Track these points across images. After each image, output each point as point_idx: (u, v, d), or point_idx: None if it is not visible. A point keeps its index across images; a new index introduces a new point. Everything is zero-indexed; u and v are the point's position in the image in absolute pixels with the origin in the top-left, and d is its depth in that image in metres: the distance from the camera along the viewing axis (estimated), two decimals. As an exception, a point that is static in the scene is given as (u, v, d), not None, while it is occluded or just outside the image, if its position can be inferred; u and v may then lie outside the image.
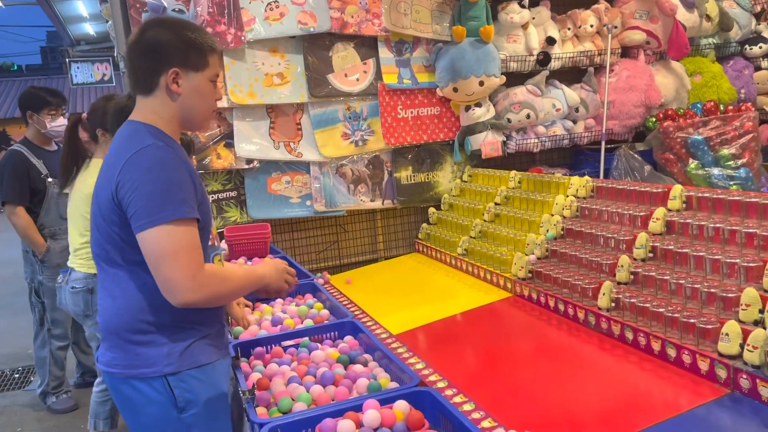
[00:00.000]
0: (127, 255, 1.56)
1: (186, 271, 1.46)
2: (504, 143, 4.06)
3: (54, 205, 3.62)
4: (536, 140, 4.13)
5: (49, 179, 3.63)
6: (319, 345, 2.23)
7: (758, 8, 4.84)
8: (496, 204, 3.61)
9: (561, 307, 2.64)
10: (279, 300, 2.78)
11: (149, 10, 3.42)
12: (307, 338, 2.26)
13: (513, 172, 3.66)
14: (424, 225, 4.13)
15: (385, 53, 3.95)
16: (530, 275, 2.92)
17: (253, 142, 3.73)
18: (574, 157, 4.54)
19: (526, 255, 2.99)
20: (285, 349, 2.21)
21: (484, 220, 3.58)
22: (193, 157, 3.42)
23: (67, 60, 10.52)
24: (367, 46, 3.93)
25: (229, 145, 3.70)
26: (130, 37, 1.65)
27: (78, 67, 10.13)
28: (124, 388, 1.61)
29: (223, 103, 3.62)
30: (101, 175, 1.62)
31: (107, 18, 3.99)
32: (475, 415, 1.86)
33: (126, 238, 1.53)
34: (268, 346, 2.21)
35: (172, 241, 1.46)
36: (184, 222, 1.49)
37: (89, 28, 10.70)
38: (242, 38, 3.60)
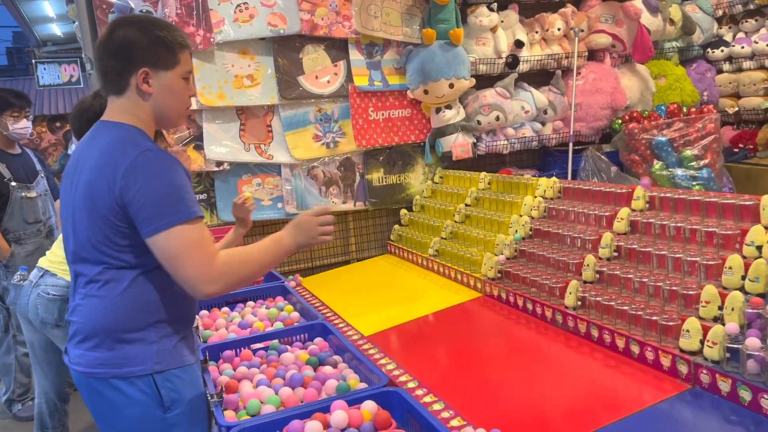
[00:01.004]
0: (123, 256, 1.56)
1: (200, 266, 1.50)
2: (474, 145, 4.10)
3: (18, 209, 3.55)
4: (506, 142, 4.18)
5: (13, 183, 3.56)
6: (288, 347, 2.23)
7: (720, 12, 4.96)
8: (466, 205, 3.64)
9: (529, 306, 2.68)
10: (250, 303, 2.78)
11: (116, 11, 3.38)
12: (276, 341, 2.26)
13: (483, 174, 3.70)
14: (396, 226, 4.14)
15: (355, 55, 3.96)
16: (500, 275, 2.95)
17: (223, 144, 3.70)
18: (543, 158, 4.60)
19: (496, 255, 3.03)
20: (254, 352, 2.20)
21: (455, 221, 3.61)
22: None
23: (33, 61, 10.30)
24: (337, 48, 3.93)
25: (199, 147, 3.67)
26: (98, 37, 1.64)
27: (45, 69, 9.92)
28: (105, 389, 1.59)
29: (192, 105, 3.58)
30: (89, 172, 1.58)
31: (74, 18, 3.92)
32: (444, 414, 1.88)
33: (124, 240, 1.54)
34: (238, 349, 2.20)
35: (184, 241, 1.50)
36: (194, 221, 1.53)
37: (56, 29, 10.51)
38: (211, 40, 3.58)
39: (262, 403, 1.79)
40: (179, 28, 1.67)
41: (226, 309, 2.69)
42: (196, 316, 2.43)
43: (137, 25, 1.60)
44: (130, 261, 1.55)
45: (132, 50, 1.57)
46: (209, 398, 1.76)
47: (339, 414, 1.56)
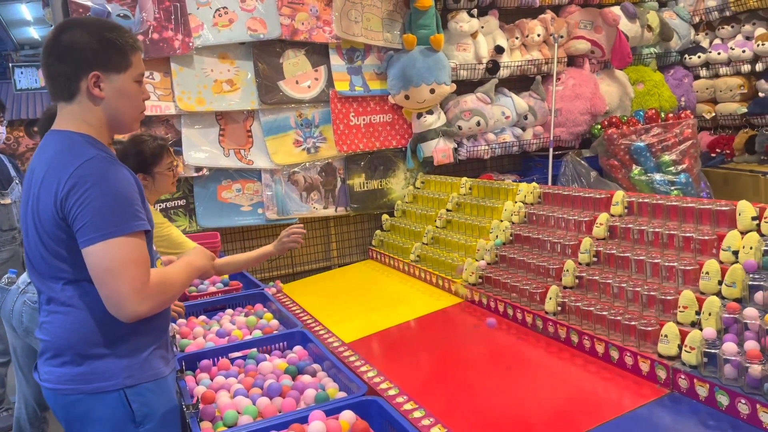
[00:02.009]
0: (78, 270, 1.49)
1: (132, 285, 1.42)
2: (455, 150, 4.11)
3: None
4: (486, 147, 4.19)
5: None
6: (267, 356, 2.20)
7: (697, 19, 5.03)
8: (447, 210, 3.64)
9: (510, 311, 2.68)
10: (228, 310, 2.74)
11: (92, 14, 3.33)
12: (255, 349, 2.23)
13: (464, 179, 3.70)
14: (378, 232, 4.13)
15: (336, 60, 3.95)
16: (480, 281, 2.95)
17: (202, 150, 3.67)
18: (524, 163, 4.62)
19: (477, 260, 3.03)
20: (232, 361, 2.17)
21: (436, 227, 3.60)
22: (175, 156, 3.20)
23: (10, 65, 10.15)
24: (318, 53, 3.92)
25: (178, 153, 3.62)
26: (44, 40, 1.57)
27: (22, 72, 9.75)
28: (75, 405, 1.54)
29: (170, 110, 3.55)
30: (37, 187, 1.52)
31: (51, 22, 3.86)
32: (425, 422, 1.87)
33: (75, 253, 1.47)
34: (215, 359, 2.17)
35: (121, 256, 1.42)
36: (134, 235, 1.46)
37: (33, 33, 10.37)
38: (190, 44, 3.54)
39: (239, 413, 1.77)
40: (129, 29, 1.62)
41: (203, 317, 2.65)
42: (173, 324, 2.40)
43: (85, 28, 1.53)
44: (87, 275, 1.47)
45: (81, 53, 1.50)
46: (185, 409, 1.73)
47: (316, 425, 1.54)
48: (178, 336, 2.38)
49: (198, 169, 3.67)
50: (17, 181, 3.80)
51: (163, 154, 2.61)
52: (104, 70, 1.52)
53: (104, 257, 1.42)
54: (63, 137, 1.54)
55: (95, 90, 1.52)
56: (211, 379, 2.04)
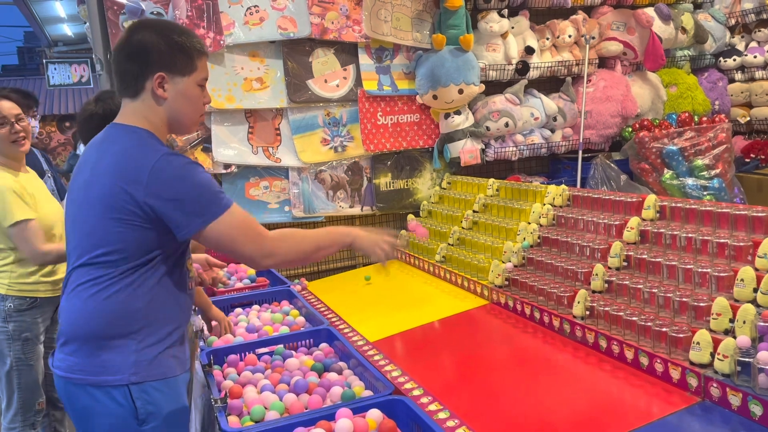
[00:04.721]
0: (121, 262, 1.54)
1: (255, 243, 1.60)
2: (483, 151, 4.09)
3: None
4: (514, 148, 4.16)
5: None
6: (293, 352, 2.21)
7: (732, 21, 4.93)
8: (474, 211, 3.62)
9: (537, 314, 2.65)
10: (255, 306, 2.76)
11: (127, 12, 3.39)
12: (281, 346, 2.24)
13: (491, 180, 3.68)
14: (403, 232, 4.12)
15: (365, 60, 3.95)
16: (507, 283, 2.92)
17: (231, 147, 3.70)
18: (552, 165, 4.58)
19: (503, 263, 3.00)
20: (259, 356, 2.19)
21: (463, 228, 3.59)
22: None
23: (44, 61, 10.37)
24: (347, 52, 3.93)
25: (207, 150, 3.67)
26: (117, 39, 1.64)
27: (55, 69, 9.97)
28: (82, 395, 1.57)
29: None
30: (103, 179, 1.57)
31: (85, 19, 3.94)
32: (450, 423, 1.86)
33: (131, 243, 1.54)
34: (242, 354, 2.19)
35: (235, 225, 1.58)
36: (233, 207, 1.61)
37: (67, 29, 10.59)
38: (221, 42, 3.58)
39: (266, 409, 1.78)
40: (196, 34, 1.67)
41: (231, 313, 2.68)
42: (197, 320, 2.42)
43: (156, 30, 1.60)
44: (125, 268, 1.54)
45: (149, 54, 1.57)
46: (213, 403, 1.75)
47: (344, 422, 1.54)
48: (206, 331, 2.40)
49: (227, 166, 3.71)
50: (49, 175, 3.88)
51: None
52: (169, 71, 1.59)
53: (222, 233, 1.57)
54: (131, 132, 1.61)
55: (159, 90, 1.59)
56: (238, 374, 2.06)
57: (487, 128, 4.08)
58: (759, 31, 4.75)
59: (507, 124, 4.07)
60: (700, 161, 3.92)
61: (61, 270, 2.86)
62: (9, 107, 2.77)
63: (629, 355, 2.16)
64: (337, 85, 3.91)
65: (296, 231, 1.73)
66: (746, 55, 4.76)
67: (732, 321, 1.94)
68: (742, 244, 2.14)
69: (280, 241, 1.65)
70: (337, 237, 1.79)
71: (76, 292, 1.60)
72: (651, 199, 2.63)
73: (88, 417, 1.58)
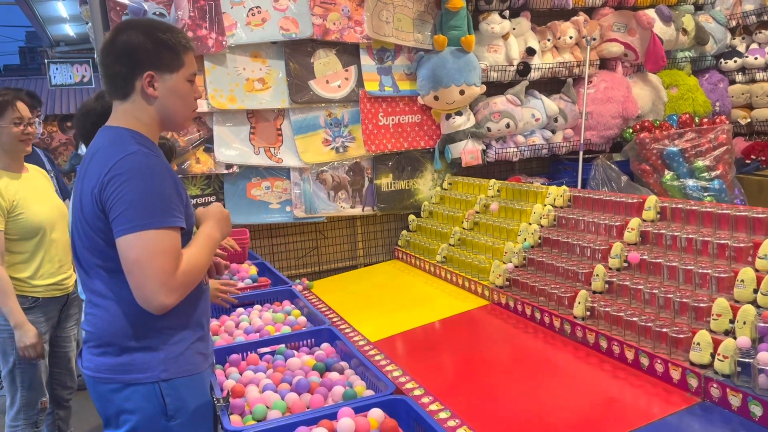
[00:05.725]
0: (115, 262, 1.52)
1: (159, 277, 1.44)
2: (484, 152, 4.09)
3: None
4: (515, 149, 4.16)
5: None
6: (295, 352, 2.22)
7: (733, 23, 4.94)
8: (475, 212, 3.63)
9: (537, 315, 2.66)
10: (257, 306, 2.77)
11: (129, 12, 3.40)
12: (283, 345, 2.25)
13: (492, 181, 3.69)
14: (404, 232, 4.13)
15: (366, 60, 3.96)
16: (507, 283, 2.93)
17: (232, 147, 3.71)
18: (553, 166, 4.58)
19: (504, 263, 3.01)
20: (261, 356, 2.20)
21: (464, 228, 3.59)
22: (174, 162, 3.38)
23: (46, 61, 10.37)
24: (348, 53, 3.94)
25: (209, 150, 3.68)
26: (102, 41, 1.63)
27: (57, 69, 9.97)
28: (110, 394, 1.59)
29: (203, 108, 3.60)
30: (81, 180, 1.59)
31: (87, 19, 3.94)
32: (451, 423, 1.86)
33: (113, 245, 1.51)
34: (244, 353, 2.20)
35: (153, 246, 1.45)
36: (168, 230, 1.49)
37: (69, 30, 10.57)
38: (223, 43, 3.59)
39: (268, 408, 1.79)
40: (182, 30, 1.66)
41: (233, 312, 2.69)
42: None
43: (140, 29, 1.59)
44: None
45: (136, 54, 1.56)
46: (215, 402, 1.75)
47: (346, 421, 1.55)
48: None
49: (228, 166, 3.71)
50: (52, 175, 3.89)
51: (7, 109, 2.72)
52: (158, 69, 1.58)
53: (133, 248, 1.45)
54: (113, 133, 1.60)
55: (149, 89, 1.58)
56: (240, 374, 2.06)
57: (488, 129, 4.08)
58: (760, 32, 4.76)
59: (508, 125, 4.08)
60: (700, 162, 3.92)
61: (62, 271, 2.86)
62: (25, 109, 2.82)
63: (630, 355, 2.17)
64: (339, 86, 3.92)
65: (191, 259, 1.53)
66: (747, 57, 4.77)
67: (732, 322, 1.95)
68: (742, 245, 2.15)
69: (184, 276, 1.49)
70: (211, 247, 1.63)
71: (95, 298, 1.60)
72: (651, 200, 2.63)
73: (117, 415, 1.59)
